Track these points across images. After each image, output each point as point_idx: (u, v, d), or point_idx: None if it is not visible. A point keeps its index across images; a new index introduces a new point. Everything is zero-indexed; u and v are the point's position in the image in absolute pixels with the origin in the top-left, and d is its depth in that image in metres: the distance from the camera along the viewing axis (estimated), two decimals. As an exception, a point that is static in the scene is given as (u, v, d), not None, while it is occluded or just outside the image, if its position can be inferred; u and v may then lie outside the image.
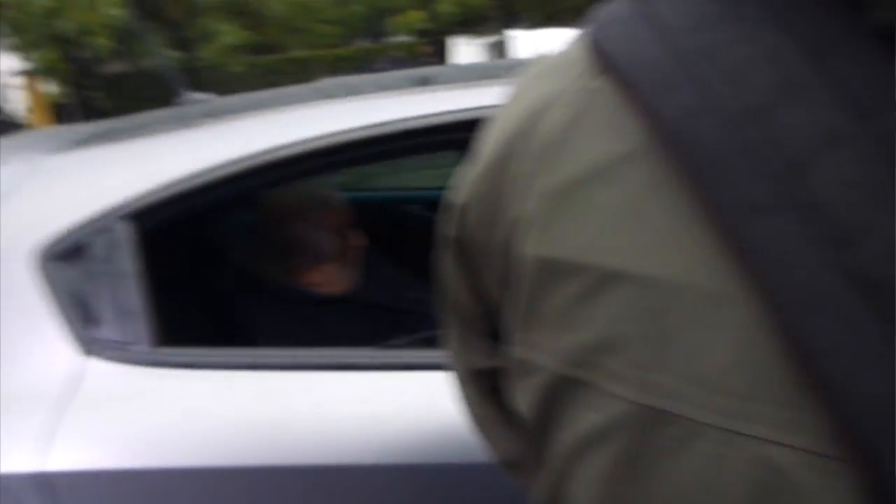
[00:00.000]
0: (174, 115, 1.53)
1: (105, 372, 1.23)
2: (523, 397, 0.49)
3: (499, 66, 1.63)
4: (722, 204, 0.39)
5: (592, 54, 0.47)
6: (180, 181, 1.31)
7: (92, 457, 1.18)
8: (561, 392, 0.45)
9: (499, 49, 16.32)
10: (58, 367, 1.23)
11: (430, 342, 1.29)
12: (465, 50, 16.70)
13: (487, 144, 0.52)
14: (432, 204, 2.82)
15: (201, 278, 1.74)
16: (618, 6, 0.48)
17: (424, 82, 1.57)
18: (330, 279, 1.74)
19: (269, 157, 1.32)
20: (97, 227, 1.28)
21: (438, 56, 20.06)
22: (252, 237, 1.72)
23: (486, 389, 0.61)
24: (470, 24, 21.82)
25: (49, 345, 1.24)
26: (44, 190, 1.33)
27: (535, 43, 15.76)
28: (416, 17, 19.42)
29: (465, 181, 0.54)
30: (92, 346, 1.24)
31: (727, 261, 0.39)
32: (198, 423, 1.19)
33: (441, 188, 2.85)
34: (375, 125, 1.36)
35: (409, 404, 1.21)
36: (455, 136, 1.43)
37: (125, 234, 1.29)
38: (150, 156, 1.37)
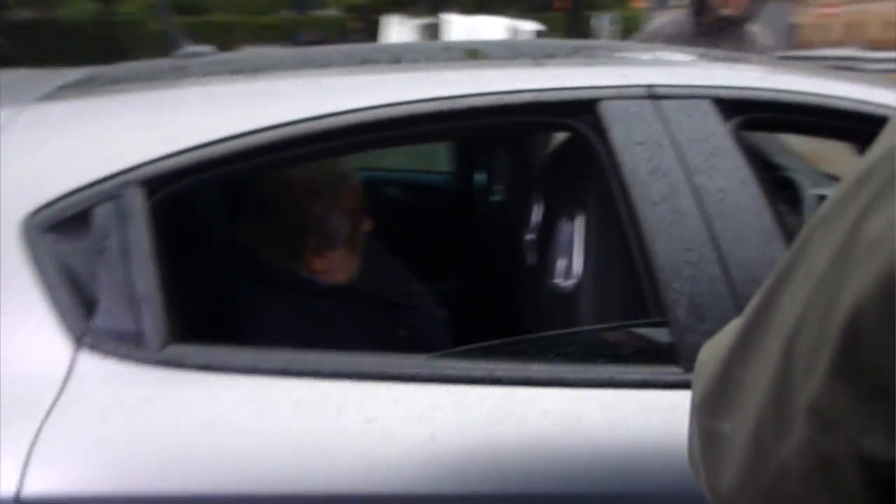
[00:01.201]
0: (186, 67, 1.30)
1: (103, 371, 1.01)
2: None
3: (552, 45, 1.45)
4: None
5: None
6: (208, 146, 1.09)
7: (80, 479, 0.95)
8: None
9: (432, 32, 16.14)
10: (41, 361, 1.00)
11: (494, 352, 1.12)
12: (398, 30, 16.44)
13: None
14: (411, 187, 2.64)
15: (201, 260, 1.51)
16: None
17: (473, 56, 1.39)
18: (336, 267, 1.55)
19: (317, 126, 1.12)
20: (102, 192, 1.05)
21: (368, 33, 19.73)
22: (257, 215, 1.50)
23: (874, 494, 0.44)
24: (401, 4, 21.53)
25: (32, 334, 1.01)
26: (33, 144, 1.09)
27: (469, 28, 15.66)
28: (350, -10, 18.94)
29: None
30: (86, 337, 1.01)
31: None
32: (223, 439, 0.99)
33: (422, 171, 2.66)
34: (440, 98, 1.17)
35: (471, 424, 1.04)
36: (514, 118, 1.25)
37: (138, 204, 1.06)
38: (168, 112, 1.14)
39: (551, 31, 22.72)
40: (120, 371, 1.01)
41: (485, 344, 1.11)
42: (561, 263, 1.41)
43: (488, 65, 1.31)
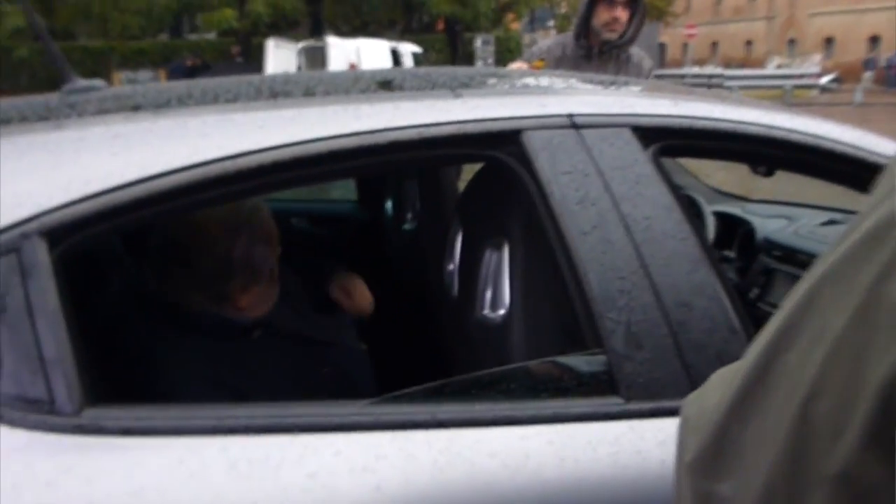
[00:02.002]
0: (79, 104, 1.21)
1: (11, 443, 0.91)
2: None
3: (453, 74, 1.44)
4: None
5: None
6: (116, 190, 1.01)
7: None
8: None
9: (313, 55, 16.00)
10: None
11: (434, 394, 1.09)
12: (276, 53, 16.21)
13: None
14: (315, 217, 2.57)
15: (105, 313, 1.40)
16: None
17: (387, 87, 1.36)
18: (258, 301, 1.48)
19: (233, 166, 1.05)
20: None
21: (246, 57, 19.38)
22: (172, 261, 1.40)
23: None
24: (280, 28, 21.31)
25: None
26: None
27: (351, 51, 15.61)
28: (228, 14, 18.50)
29: None
30: (-12, 407, 0.92)
31: None
32: (153, 510, 0.91)
33: (326, 200, 2.60)
34: (360, 133, 1.13)
35: (418, 472, 0.99)
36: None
37: (40, 257, 0.97)
38: (69, 155, 1.05)
39: (432, 52, 22.95)
40: (31, 442, 0.91)
41: (424, 386, 1.07)
42: (487, 294, 1.39)
43: (406, 97, 1.29)
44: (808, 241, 2.19)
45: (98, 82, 1.45)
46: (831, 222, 2.29)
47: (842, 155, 1.28)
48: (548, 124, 1.20)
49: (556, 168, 1.17)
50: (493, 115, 1.20)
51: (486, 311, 1.39)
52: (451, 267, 1.59)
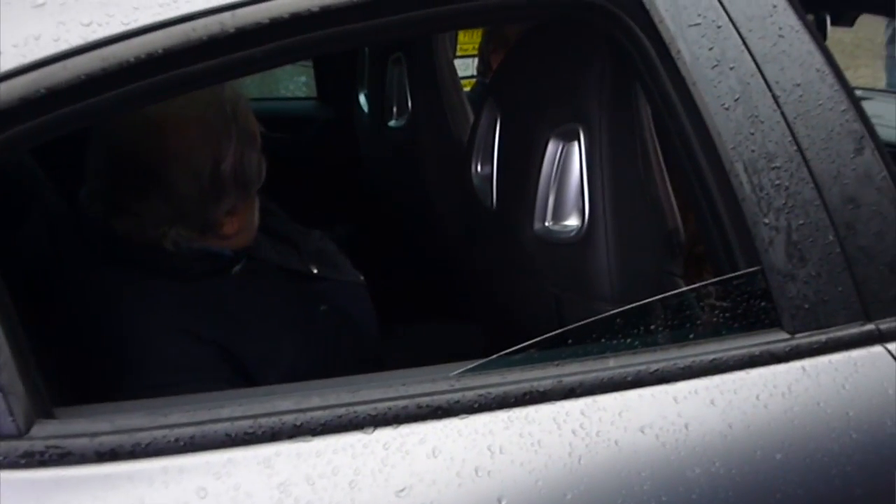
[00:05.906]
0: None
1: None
2: None
3: None
4: None
5: None
6: (75, 55, 0.63)
7: None
8: None
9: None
10: None
11: (548, 349, 0.76)
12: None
13: None
14: (269, 119, 2.15)
15: (32, 259, 0.99)
16: None
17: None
18: (246, 226, 1.11)
19: (247, 16, 0.67)
20: None
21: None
22: (119, 182, 0.99)
23: None
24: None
25: None
26: None
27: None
28: None
29: None
30: None
31: None
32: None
33: (276, 98, 2.17)
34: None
35: (550, 467, 0.68)
36: None
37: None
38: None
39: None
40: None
41: (530, 342, 0.75)
42: (549, 201, 1.06)
43: None
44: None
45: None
46: None
47: None
48: None
49: (681, 19, 0.83)
50: None
51: (549, 223, 1.06)
52: (479, 169, 1.24)
